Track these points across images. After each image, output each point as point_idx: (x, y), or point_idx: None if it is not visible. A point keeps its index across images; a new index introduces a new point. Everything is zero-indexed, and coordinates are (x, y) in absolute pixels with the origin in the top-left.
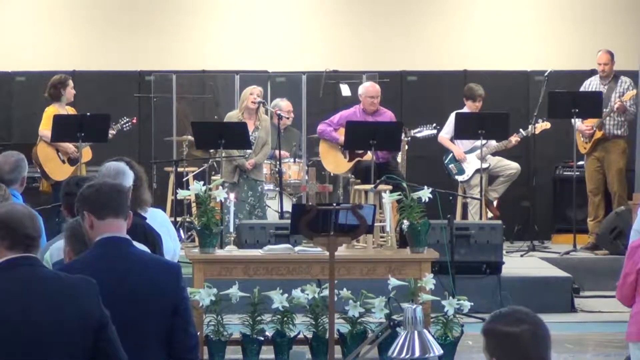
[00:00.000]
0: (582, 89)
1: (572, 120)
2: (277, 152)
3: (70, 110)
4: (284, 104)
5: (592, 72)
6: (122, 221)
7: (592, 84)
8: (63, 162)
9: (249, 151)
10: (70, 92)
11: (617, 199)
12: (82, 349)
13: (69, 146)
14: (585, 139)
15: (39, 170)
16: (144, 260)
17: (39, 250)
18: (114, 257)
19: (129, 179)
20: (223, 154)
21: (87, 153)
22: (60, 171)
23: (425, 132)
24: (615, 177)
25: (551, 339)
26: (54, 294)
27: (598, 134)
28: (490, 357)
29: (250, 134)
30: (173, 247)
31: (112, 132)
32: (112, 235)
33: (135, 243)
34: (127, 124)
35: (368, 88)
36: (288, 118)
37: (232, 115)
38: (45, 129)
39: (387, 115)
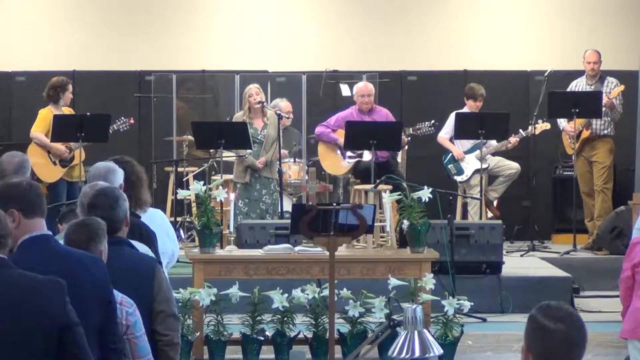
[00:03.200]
0: (569, 89)
1: (558, 121)
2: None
3: (68, 112)
4: (283, 104)
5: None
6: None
7: (579, 85)
8: (54, 163)
9: (248, 151)
10: (68, 96)
11: (601, 195)
12: (44, 350)
13: (61, 148)
14: (571, 139)
15: (31, 172)
16: (71, 253)
17: (7, 249)
18: (49, 255)
19: (119, 178)
20: (224, 154)
21: (78, 154)
22: (50, 173)
23: (423, 129)
24: (599, 173)
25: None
26: (17, 294)
27: (585, 134)
28: (524, 343)
29: (259, 131)
30: (172, 248)
31: None
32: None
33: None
34: (123, 125)
35: (360, 87)
36: (288, 118)
37: (238, 117)
38: (37, 130)
39: (383, 114)
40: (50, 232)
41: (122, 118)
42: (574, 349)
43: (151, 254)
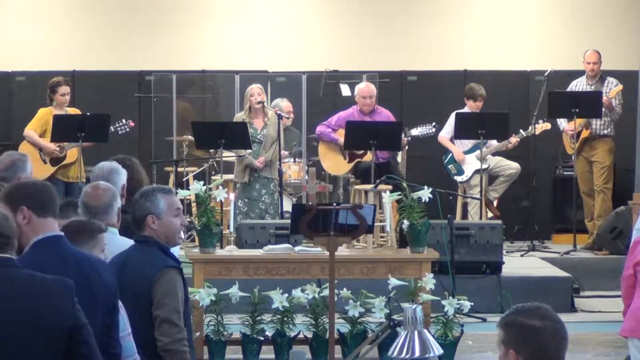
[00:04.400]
0: (569, 89)
1: (559, 121)
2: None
3: (73, 112)
4: (284, 104)
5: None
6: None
7: (579, 85)
8: (44, 162)
9: (248, 151)
10: (59, 98)
11: (601, 195)
12: (52, 350)
13: (50, 146)
14: (571, 140)
15: None
16: (83, 255)
17: (14, 249)
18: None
19: (122, 178)
20: (224, 154)
21: (72, 154)
22: (39, 171)
23: (424, 130)
24: (599, 173)
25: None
26: (26, 294)
27: (585, 133)
28: (506, 350)
29: (259, 131)
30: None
31: None
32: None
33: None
34: (123, 127)
35: (362, 88)
36: (288, 118)
37: (239, 117)
38: (30, 128)
39: (385, 115)
40: (62, 233)
41: (123, 120)
42: (562, 342)
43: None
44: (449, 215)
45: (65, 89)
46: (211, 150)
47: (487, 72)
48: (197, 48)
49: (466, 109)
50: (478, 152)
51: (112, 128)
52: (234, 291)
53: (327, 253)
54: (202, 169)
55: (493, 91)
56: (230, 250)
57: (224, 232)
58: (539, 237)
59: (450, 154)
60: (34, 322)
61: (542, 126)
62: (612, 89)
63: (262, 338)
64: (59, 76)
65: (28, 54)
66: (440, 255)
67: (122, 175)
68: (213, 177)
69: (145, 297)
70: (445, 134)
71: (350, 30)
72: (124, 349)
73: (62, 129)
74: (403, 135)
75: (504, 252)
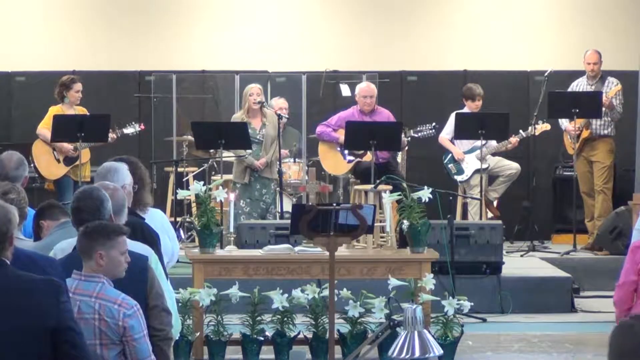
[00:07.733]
0: (569, 89)
1: (560, 121)
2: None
3: (80, 111)
4: (275, 103)
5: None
6: None
7: (579, 85)
8: (58, 161)
9: (248, 151)
10: (73, 95)
11: (601, 195)
12: (36, 349)
13: (65, 146)
14: (572, 139)
15: (34, 169)
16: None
17: (9, 248)
18: None
19: (121, 178)
20: (224, 154)
21: (85, 154)
22: (53, 170)
23: (424, 131)
24: (599, 173)
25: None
26: (11, 294)
27: (585, 133)
28: None
29: (257, 131)
30: (172, 248)
31: (112, 136)
32: None
33: (134, 242)
34: (134, 132)
35: (362, 88)
36: (288, 118)
37: (237, 117)
38: (43, 127)
39: (385, 115)
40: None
41: (133, 123)
42: None
43: (147, 252)
44: (449, 216)
45: (79, 86)
46: (211, 151)
47: (487, 72)
48: (197, 48)
49: (465, 110)
50: (478, 152)
51: (119, 132)
52: (234, 291)
53: (327, 253)
54: (202, 169)
55: (493, 91)
56: (230, 251)
57: (223, 232)
58: (539, 237)
59: (450, 154)
60: (18, 321)
61: (542, 127)
62: (611, 89)
63: (262, 338)
64: (63, 75)
65: (28, 54)
66: (440, 256)
67: (121, 175)
68: (213, 177)
69: (140, 291)
70: (446, 135)
71: (350, 30)
72: (139, 350)
73: (62, 129)
74: (403, 136)
75: (504, 252)
